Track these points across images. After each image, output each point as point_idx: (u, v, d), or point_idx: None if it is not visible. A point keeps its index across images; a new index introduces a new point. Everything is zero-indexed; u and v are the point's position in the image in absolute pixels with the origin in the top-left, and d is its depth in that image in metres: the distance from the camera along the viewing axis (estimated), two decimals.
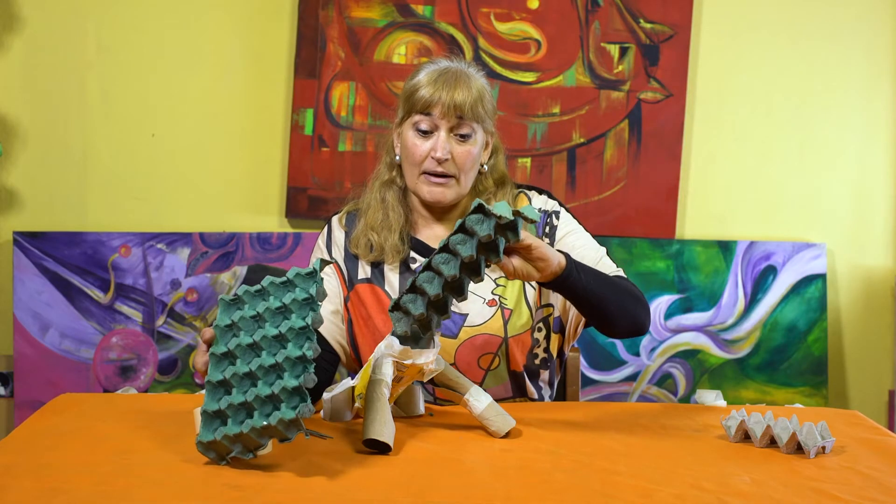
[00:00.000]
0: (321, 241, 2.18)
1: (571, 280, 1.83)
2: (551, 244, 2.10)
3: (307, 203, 3.16)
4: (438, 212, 2.11)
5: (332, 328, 2.11)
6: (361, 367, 2.11)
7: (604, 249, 2.10)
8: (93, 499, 1.44)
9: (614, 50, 3.18)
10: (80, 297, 3.12)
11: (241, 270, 3.15)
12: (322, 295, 1.67)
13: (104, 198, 3.19)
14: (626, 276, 2.05)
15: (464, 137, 2.04)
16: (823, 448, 1.73)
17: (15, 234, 3.11)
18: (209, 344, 1.75)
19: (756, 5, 3.23)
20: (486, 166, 2.12)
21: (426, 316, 1.72)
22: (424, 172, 2.05)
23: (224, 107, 3.20)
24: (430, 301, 1.71)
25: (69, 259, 3.12)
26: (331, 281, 2.13)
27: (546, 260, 1.76)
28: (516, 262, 1.75)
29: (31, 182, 3.18)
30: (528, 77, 3.17)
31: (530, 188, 2.17)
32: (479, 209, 1.68)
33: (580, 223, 2.14)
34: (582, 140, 3.19)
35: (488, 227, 1.67)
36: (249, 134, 3.21)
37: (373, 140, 3.16)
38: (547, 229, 2.11)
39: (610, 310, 1.93)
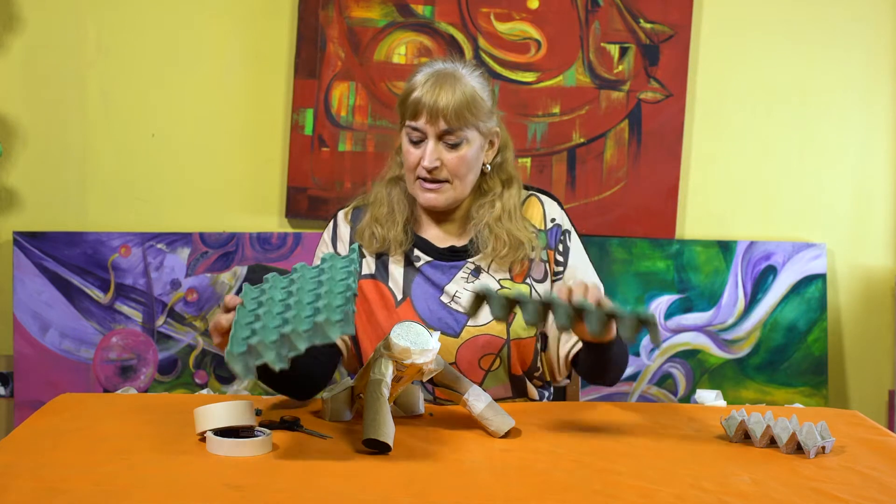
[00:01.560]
0: (326, 237, 2.18)
1: (612, 349, 1.93)
2: (563, 263, 2.09)
3: (307, 203, 3.16)
4: (437, 214, 2.11)
5: None
6: (362, 363, 2.11)
7: (601, 286, 2.08)
8: (93, 499, 1.44)
9: (614, 50, 3.18)
10: (80, 297, 3.12)
11: (241, 270, 3.15)
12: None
13: (104, 198, 3.19)
14: None
15: (454, 145, 2.03)
16: (823, 448, 1.73)
17: (15, 234, 3.11)
18: (230, 309, 1.75)
19: (756, 5, 3.22)
20: (488, 166, 2.11)
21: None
22: (419, 178, 2.06)
23: (224, 107, 3.20)
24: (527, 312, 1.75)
25: (69, 259, 3.12)
26: None
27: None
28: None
29: (31, 182, 3.18)
30: (528, 77, 3.17)
31: (541, 192, 2.17)
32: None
33: (584, 246, 2.15)
34: (582, 140, 3.19)
35: (628, 329, 1.70)
36: (249, 134, 3.21)
37: (373, 140, 3.16)
38: (560, 247, 2.10)
39: (611, 372, 2.03)
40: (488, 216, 2.07)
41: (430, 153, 2.02)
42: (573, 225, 2.15)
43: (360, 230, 2.12)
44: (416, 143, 2.04)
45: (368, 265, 2.12)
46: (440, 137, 2.02)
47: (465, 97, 2.02)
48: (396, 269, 2.10)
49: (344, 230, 2.16)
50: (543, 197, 2.15)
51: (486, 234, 2.07)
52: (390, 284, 2.09)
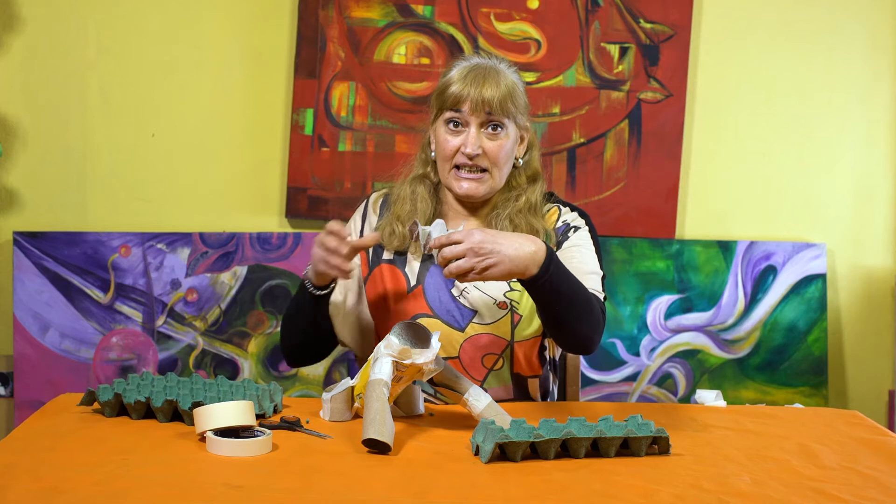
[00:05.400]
0: (358, 215, 2.19)
1: (547, 279, 1.85)
2: (560, 244, 2.09)
3: (307, 203, 3.16)
4: (470, 207, 2.11)
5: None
6: (373, 345, 2.12)
7: (601, 272, 2.07)
8: (93, 499, 1.44)
9: (614, 50, 3.18)
10: (80, 297, 3.12)
11: (241, 270, 3.15)
12: None
13: (104, 198, 3.19)
14: (602, 300, 2.03)
15: (494, 132, 2.04)
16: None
17: (15, 234, 3.11)
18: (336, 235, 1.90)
19: (756, 5, 3.23)
20: (521, 161, 2.12)
21: None
22: (456, 167, 2.05)
23: (224, 107, 3.20)
24: None
25: (69, 259, 3.12)
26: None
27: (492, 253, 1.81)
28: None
29: (31, 182, 3.18)
30: (528, 77, 3.17)
31: (567, 205, 2.15)
32: None
33: (597, 250, 2.11)
34: (582, 140, 3.19)
35: None
36: (249, 134, 3.21)
37: (373, 140, 3.16)
38: (561, 237, 2.10)
39: (566, 319, 1.92)
40: (511, 208, 2.08)
41: (472, 139, 2.03)
42: (591, 229, 2.12)
43: (382, 227, 2.13)
44: (455, 131, 2.04)
45: (389, 252, 2.13)
46: (481, 126, 2.03)
47: (508, 89, 2.05)
48: (415, 260, 2.11)
49: (373, 218, 2.18)
50: (564, 208, 2.15)
51: (505, 224, 2.07)
52: (406, 270, 2.10)
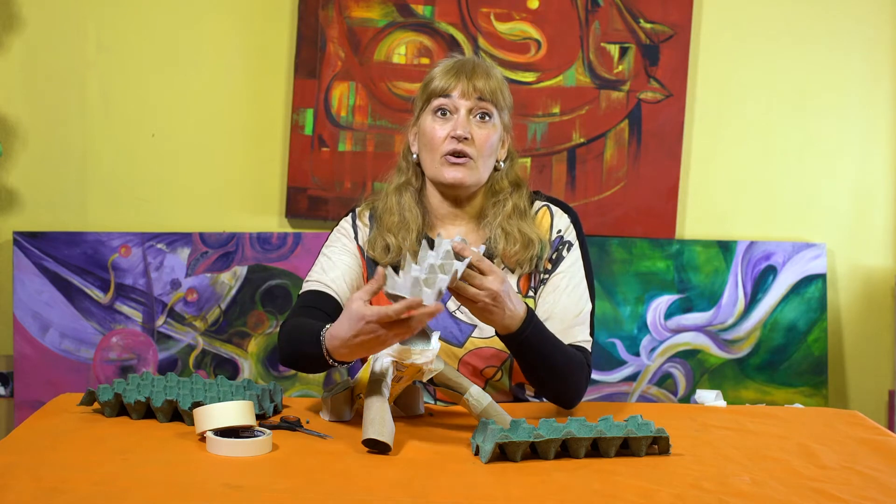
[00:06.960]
0: (347, 225, 2.13)
1: (522, 339, 1.90)
2: (551, 271, 2.07)
3: (307, 203, 3.17)
4: (454, 199, 2.08)
5: (343, 286, 2.07)
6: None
7: (589, 307, 2.06)
8: (93, 499, 1.44)
9: (614, 50, 3.18)
10: (80, 297, 3.12)
11: (241, 270, 3.15)
12: None
13: (104, 198, 3.19)
14: (589, 350, 2.03)
15: (483, 120, 2.04)
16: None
17: (15, 234, 3.11)
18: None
19: (756, 5, 3.23)
20: (503, 164, 2.11)
21: None
22: (445, 155, 2.03)
23: (224, 107, 3.20)
24: None
25: (69, 259, 3.12)
26: (352, 259, 2.10)
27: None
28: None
29: (31, 182, 3.18)
30: (528, 77, 3.18)
31: (555, 202, 2.14)
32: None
33: (587, 266, 2.09)
34: (582, 140, 3.19)
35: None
36: (249, 134, 3.21)
37: (373, 140, 3.16)
38: (554, 256, 2.08)
39: (549, 382, 1.97)
40: (501, 214, 2.06)
41: (462, 121, 2.02)
42: (581, 238, 2.10)
43: (372, 241, 2.09)
44: (444, 119, 2.03)
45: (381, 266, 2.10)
46: (470, 112, 2.03)
47: (497, 81, 2.07)
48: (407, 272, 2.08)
49: (364, 230, 2.12)
50: (555, 208, 2.12)
51: (498, 233, 2.05)
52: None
